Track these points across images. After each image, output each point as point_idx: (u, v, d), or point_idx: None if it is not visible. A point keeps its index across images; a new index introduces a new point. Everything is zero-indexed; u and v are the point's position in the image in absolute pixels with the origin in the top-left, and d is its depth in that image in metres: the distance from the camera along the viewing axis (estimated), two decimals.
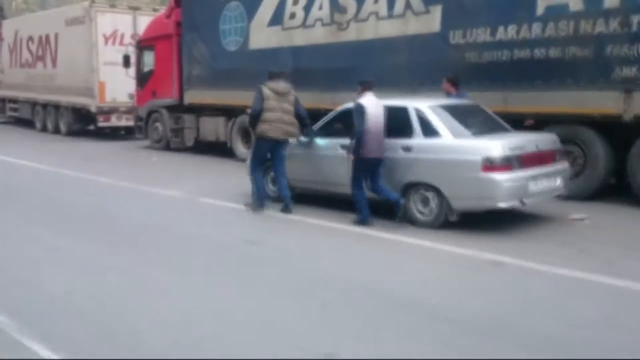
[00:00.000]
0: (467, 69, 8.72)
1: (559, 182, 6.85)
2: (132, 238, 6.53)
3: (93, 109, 17.47)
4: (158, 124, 15.31)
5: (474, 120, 7.23)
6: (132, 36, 17.62)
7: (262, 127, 7.47)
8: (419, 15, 9.36)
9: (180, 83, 14.51)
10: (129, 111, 17.35)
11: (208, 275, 5.21)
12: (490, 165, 6.14)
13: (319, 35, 10.75)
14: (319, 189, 7.77)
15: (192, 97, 14.04)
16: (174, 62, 14.60)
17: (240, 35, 12.44)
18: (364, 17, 10.05)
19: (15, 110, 22.82)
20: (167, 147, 15.08)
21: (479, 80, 8.61)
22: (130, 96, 17.44)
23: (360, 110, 6.68)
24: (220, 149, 13.59)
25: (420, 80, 9.26)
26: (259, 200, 7.60)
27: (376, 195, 6.83)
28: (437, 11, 9.15)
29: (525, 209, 6.93)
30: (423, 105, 6.90)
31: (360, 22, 10.12)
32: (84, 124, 18.63)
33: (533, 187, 6.43)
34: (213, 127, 13.68)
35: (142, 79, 15.89)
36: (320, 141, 7.55)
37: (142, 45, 15.72)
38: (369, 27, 10.00)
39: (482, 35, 8.65)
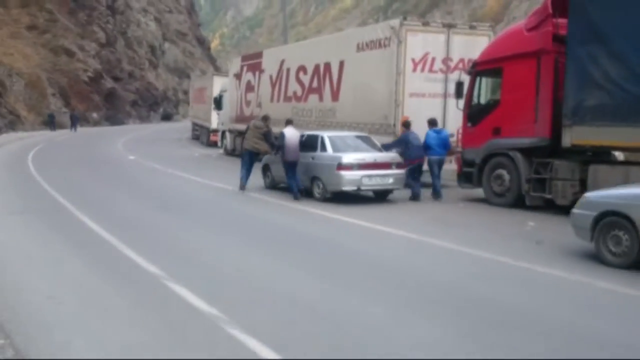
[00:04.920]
0: None
1: (391, 180, 11.73)
2: None
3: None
4: (503, 172, 11.48)
5: (355, 144, 12.33)
6: (444, 60, 14.30)
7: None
8: None
9: (552, 116, 10.58)
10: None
11: None
12: (340, 166, 11.39)
13: None
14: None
15: (581, 135, 9.97)
16: (542, 88, 10.75)
17: None
18: None
19: None
20: (516, 203, 11.22)
21: None
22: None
23: (282, 135, 12.35)
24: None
25: None
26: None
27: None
28: None
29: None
30: (324, 134, 12.44)
31: None
32: None
33: (367, 181, 11.51)
34: (618, 182, 9.41)
35: (476, 112, 12.28)
36: None
37: (481, 69, 12.14)
38: None
39: None
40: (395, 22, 14.21)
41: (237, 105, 23.57)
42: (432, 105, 14.26)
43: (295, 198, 11.90)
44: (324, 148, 11.96)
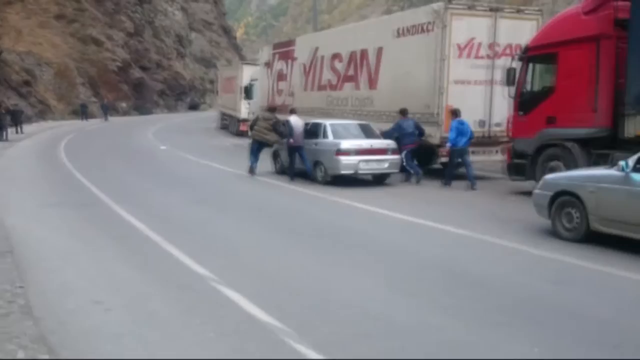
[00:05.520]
0: None
1: (386, 165, 12.63)
2: None
3: (436, 141, 13.62)
4: (559, 164, 10.83)
5: (355, 132, 13.21)
6: (490, 46, 13.63)
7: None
8: None
9: (613, 105, 9.92)
10: (488, 143, 13.28)
11: None
12: (339, 152, 12.38)
13: None
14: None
15: None
16: (602, 75, 10.06)
17: None
18: None
19: None
20: None
21: None
22: (481, 123, 13.60)
23: (288, 123, 13.48)
24: None
25: None
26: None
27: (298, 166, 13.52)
28: None
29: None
30: (327, 122, 13.40)
31: None
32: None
33: (364, 165, 12.47)
34: None
35: (528, 100, 11.61)
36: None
37: (533, 54, 11.46)
38: None
39: None
40: (440, 5, 13.52)
41: (268, 94, 23.10)
42: (477, 92, 13.67)
43: (290, 180, 13.25)
44: (325, 135, 13.00)
